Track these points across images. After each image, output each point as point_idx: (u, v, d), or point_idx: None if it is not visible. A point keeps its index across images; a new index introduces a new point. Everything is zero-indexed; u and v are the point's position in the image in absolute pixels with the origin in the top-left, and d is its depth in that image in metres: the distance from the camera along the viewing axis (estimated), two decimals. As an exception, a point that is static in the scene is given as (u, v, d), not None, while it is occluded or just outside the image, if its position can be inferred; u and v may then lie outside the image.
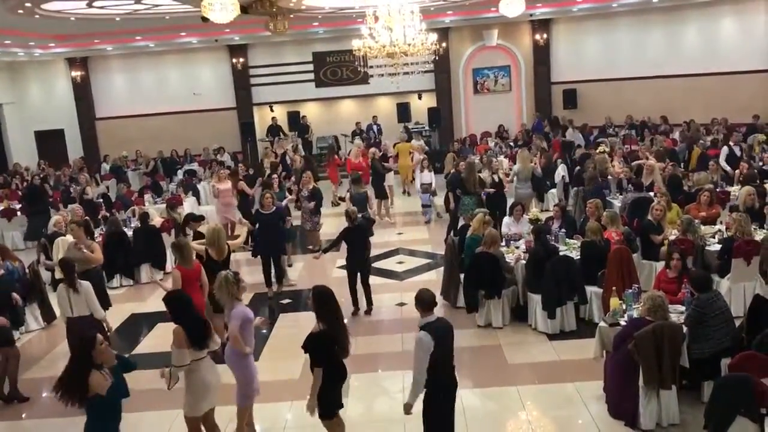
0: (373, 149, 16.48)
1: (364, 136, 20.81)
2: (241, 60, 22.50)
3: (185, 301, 5.98)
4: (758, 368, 5.62)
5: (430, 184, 14.93)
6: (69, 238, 11.38)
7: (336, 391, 5.77)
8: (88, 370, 4.98)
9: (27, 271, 10.11)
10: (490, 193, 12.53)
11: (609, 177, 12.76)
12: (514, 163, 14.69)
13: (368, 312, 9.83)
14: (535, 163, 14.54)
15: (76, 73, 22.41)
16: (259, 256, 11.09)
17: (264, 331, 9.44)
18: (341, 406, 5.88)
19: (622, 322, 6.81)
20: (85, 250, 9.05)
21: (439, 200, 14.95)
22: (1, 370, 7.78)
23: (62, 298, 7.67)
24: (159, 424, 6.93)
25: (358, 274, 9.80)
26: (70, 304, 7.60)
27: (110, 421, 5.14)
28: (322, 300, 5.70)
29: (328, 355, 5.59)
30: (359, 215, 11.04)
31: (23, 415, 7.58)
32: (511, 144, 19.66)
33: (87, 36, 20.05)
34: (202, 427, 6.03)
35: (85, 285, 7.71)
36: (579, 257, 8.85)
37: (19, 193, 16.92)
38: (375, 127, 21.55)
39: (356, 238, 9.84)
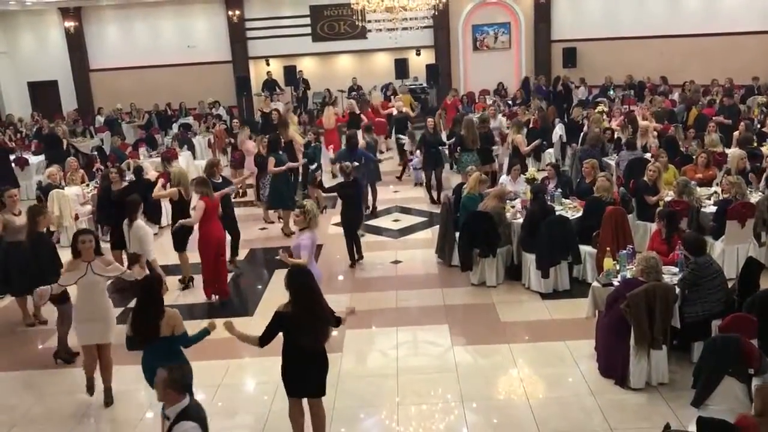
0: (398, 104, 16.65)
1: (361, 92, 20.70)
2: (237, 12, 22.14)
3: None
4: (747, 329, 5.68)
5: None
6: (65, 190, 11.40)
7: (291, 376, 5.33)
8: (162, 310, 5.39)
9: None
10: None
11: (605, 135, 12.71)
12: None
13: (359, 260, 10.01)
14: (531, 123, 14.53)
15: (70, 24, 22.03)
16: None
17: (259, 287, 9.53)
18: (298, 392, 5.44)
19: (615, 283, 6.85)
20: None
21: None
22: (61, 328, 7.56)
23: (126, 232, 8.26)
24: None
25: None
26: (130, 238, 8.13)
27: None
28: (295, 285, 5.26)
29: (285, 339, 5.26)
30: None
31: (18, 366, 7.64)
32: (509, 102, 19.53)
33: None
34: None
35: (138, 225, 8.03)
36: (581, 215, 8.91)
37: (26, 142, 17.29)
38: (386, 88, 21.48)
39: (351, 194, 9.90)
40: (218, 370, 7.10)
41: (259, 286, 9.53)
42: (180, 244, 9.33)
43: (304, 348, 5.22)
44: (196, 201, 8.92)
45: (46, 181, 11.11)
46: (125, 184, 9.95)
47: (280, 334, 5.29)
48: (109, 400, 6.56)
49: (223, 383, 6.89)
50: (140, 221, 8.13)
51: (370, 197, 12.32)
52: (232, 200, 10.74)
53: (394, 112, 16.37)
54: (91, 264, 6.35)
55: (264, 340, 5.28)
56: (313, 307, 5.23)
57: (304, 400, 5.51)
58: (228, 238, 9.68)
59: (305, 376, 5.34)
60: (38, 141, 17.08)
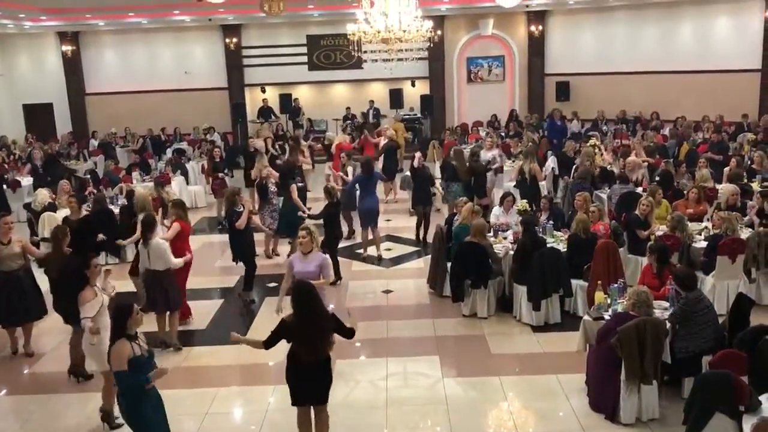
0: (390, 132, 16.67)
1: (356, 121, 20.79)
2: (234, 40, 22.33)
3: None
4: (738, 366, 5.68)
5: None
6: (56, 213, 11.37)
7: (295, 382, 5.57)
8: (119, 337, 5.23)
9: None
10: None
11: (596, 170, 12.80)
12: (506, 154, 14.74)
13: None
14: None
15: (67, 48, 22.16)
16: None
17: (247, 315, 9.46)
18: (301, 401, 5.66)
19: (606, 317, 6.85)
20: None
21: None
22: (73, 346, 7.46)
23: (141, 252, 8.24)
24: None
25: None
26: (148, 256, 8.08)
27: (144, 402, 5.18)
28: (300, 300, 5.50)
29: (290, 347, 5.55)
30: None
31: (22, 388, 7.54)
32: (502, 134, 19.64)
33: (78, 10, 19.85)
34: None
35: (156, 242, 8.02)
36: (566, 250, 8.89)
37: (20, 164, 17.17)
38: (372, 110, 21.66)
39: (334, 213, 10.16)
40: (206, 398, 7.03)
41: (247, 315, 9.47)
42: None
43: (304, 357, 5.47)
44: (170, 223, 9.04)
45: (42, 202, 11.11)
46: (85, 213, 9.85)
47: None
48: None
49: (210, 411, 6.81)
50: (158, 239, 8.12)
51: (369, 235, 11.75)
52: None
53: (383, 141, 16.37)
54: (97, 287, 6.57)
55: (268, 343, 5.56)
56: (313, 321, 5.45)
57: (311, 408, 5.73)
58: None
59: (307, 382, 5.56)
60: (31, 163, 17.02)
